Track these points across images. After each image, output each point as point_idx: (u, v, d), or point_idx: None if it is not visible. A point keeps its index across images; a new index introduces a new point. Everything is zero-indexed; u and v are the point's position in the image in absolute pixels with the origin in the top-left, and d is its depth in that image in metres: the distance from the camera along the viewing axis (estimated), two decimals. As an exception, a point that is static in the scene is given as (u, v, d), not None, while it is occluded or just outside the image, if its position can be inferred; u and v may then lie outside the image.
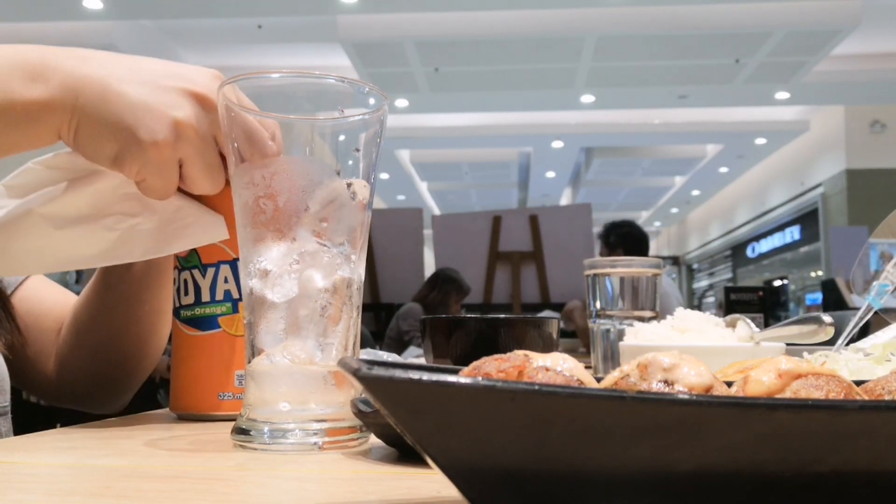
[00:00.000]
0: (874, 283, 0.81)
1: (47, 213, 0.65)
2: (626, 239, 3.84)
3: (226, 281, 0.67)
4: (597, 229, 4.69)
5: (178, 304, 0.69)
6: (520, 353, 0.34)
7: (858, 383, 0.37)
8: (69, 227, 0.66)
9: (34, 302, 0.88)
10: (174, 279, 0.70)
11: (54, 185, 0.66)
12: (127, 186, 0.65)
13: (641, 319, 1.00)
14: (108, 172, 0.64)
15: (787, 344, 0.83)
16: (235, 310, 0.67)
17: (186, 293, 0.68)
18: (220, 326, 0.67)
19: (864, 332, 0.80)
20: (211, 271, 0.68)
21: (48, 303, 0.89)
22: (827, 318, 0.75)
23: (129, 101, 0.57)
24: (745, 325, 0.85)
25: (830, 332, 0.73)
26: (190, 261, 0.68)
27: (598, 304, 1.05)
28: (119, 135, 0.57)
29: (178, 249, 0.68)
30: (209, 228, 0.66)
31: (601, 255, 4.02)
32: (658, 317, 1.03)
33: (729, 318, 0.88)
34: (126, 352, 0.84)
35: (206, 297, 0.67)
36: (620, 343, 0.92)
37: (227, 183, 0.62)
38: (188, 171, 0.60)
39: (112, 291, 0.82)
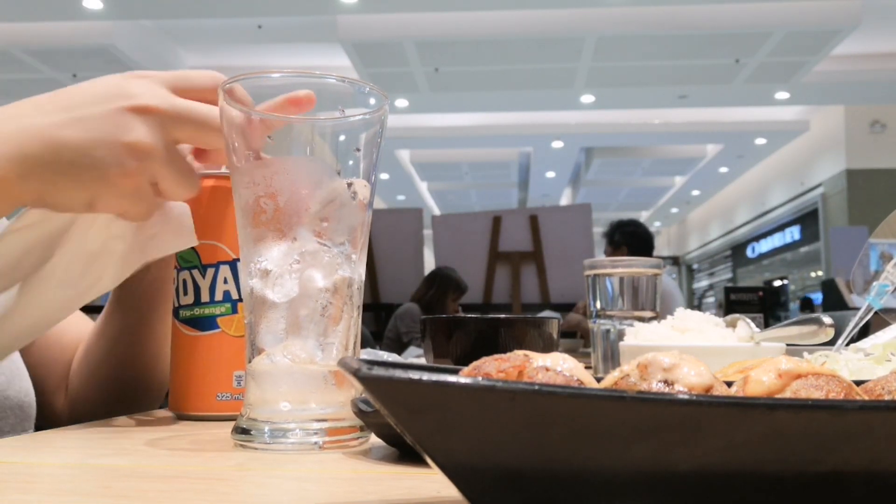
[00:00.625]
0: (874, 283, 0.81)
1: (47, 277, 0.64)
2: (631, 238, 3.83)
3: (225, 282, 0.67)
4: (598, 229, 4.68)
5: (177, 305, 0.69)
6: (520, 353, 0.34)
7: (858, 383, 0.37)
8: (69, 281, 0.65)
9: (48, 337, 0.87)
10: (174, 279, 0.70)
11: (41, 245, 0.64)
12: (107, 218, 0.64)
13: (641, 319, 1.00)
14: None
15: (788, 344, 0.83)
16: (235, 310, 0.67)
17: (186, 293, 0.68)
18: (219, 327, 0.67)
19: (864, 332, 0.80)
20: (210, 272, 0.67)
21: (62, 334, 0.89)
22: (827, 318, 0.75)
23: (77, 144, 0.55)
24: (745, 325, 0.85)
25: (831, 332, 0.73)
26: (190, 261, 0.68)
27: (598, 304, 1.05)
28: (83, 181, 0.56)
29: (143, 262, 0.67)
30: (178, 236, 0.65)
31: (606, 253, 4.01)
32: (658, 317, 1.03)
33: (729, 317, 0.88)
34: (138, 377, 0.84)
35: (205, 297, 0.67)
36: (620, 343, 0.92)
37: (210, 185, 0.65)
38: (163, 186, 0.59)
39: (124, 316, 0.82)
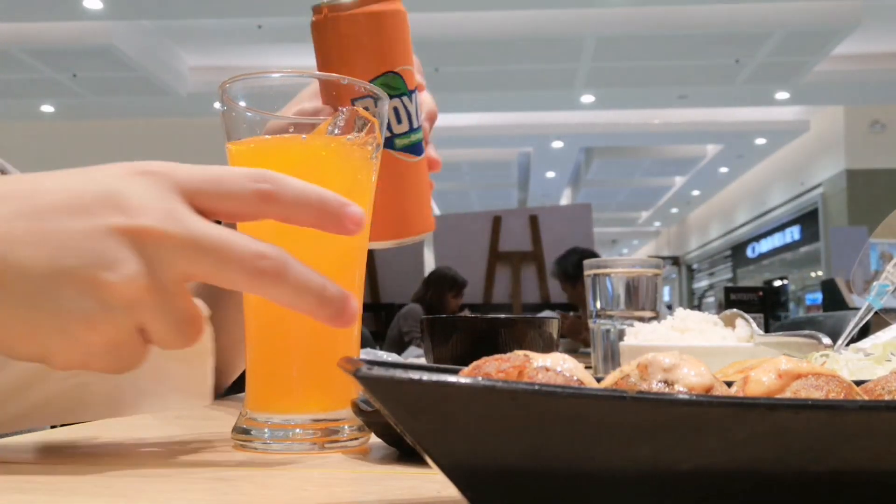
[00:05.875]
0: (874, 283, 0.81)
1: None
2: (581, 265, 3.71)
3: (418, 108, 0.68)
4: (598, 229, 4.68)
5: (389, 134, 0.66)
6: (520, 353, 0.34)
7: (858, 383, 0.37)
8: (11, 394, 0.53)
9: None
10: (370, 110, 0.61)
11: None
12: None
13: (641, 319, 1.00)
14: None
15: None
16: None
17: (399, 122, 0.66)
18: (424, 151, 0.69)
19: (864, 332, 0.80)
20: (415, 97, 0.67)
21: None
22: (826, 340, 0.76)
23: (38, 276, 0.38)
24: (744, 325, 0.85)
25: (828, 352, 0.73)
26: (398, 88, 0.66)
27: (598, 304, 1.05)
28: (37, 327, 0.39)
29: (146, 411, 0.60)
30: (186, 394, 0.57)
31: (565, 290, 3.86)
32: (658, 317, 1.03)
33: (728, 312, 0.88)
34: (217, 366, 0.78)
35: (415, 123, 0.67)
36: (620, 343, 0.92)
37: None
38: (151, 335, 0.42)
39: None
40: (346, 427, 0.52)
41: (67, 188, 0.40)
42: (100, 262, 0.38)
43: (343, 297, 0.42)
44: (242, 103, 0.54)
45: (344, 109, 0.53)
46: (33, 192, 0.40)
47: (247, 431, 0.52)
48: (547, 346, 0.79)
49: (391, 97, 0.64)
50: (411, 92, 0.66)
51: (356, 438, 0.53)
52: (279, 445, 0.51)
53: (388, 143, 0.65)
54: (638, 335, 0.90)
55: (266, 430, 0.51)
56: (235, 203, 0.42)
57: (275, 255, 0.40)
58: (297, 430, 0.51)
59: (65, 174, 0.42)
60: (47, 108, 9.30)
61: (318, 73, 0.55)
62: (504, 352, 0.35)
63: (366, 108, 0.55)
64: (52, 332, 0.39)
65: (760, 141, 11.18)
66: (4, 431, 0.54)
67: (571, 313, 3.56)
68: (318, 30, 0.65)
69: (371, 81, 0.64)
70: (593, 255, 3.62)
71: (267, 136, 0.53)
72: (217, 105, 0.55)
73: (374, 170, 0.56)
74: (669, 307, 4.46)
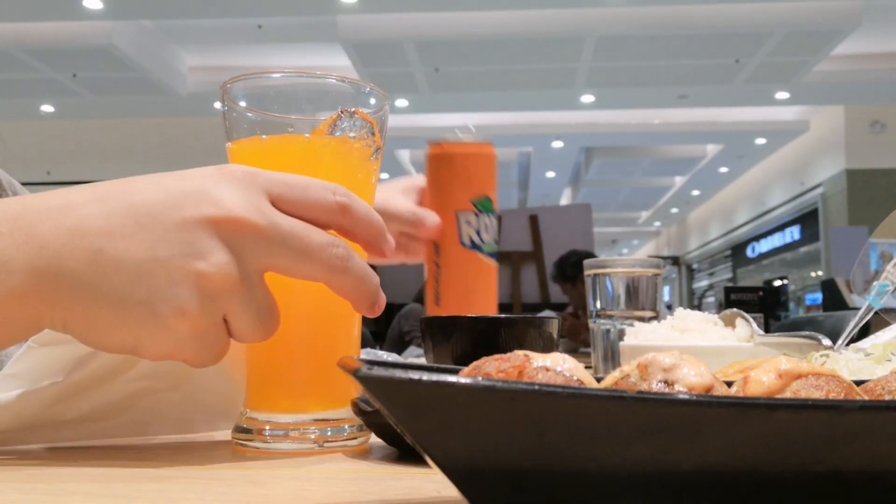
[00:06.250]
0: (874, 283, 0.81)
1: (61, 396, 0.51)
2: (580, 266, 3.76)
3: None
4: (598, 229, 4.69)
5: (479, 241, 0.90)
6: (520, 353, 0.34)
7: (858, 383, 0.37)
8: (89, 402, 0.53)
9: None
10: (470, 221, 0.89)
11: (64, 364, 0.50)
12: None
13: (641, 319, 1.00)
14: None
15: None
16: None
17: (488, 233, 0.90)
18: (497, 258, 0.92)
19: (864, 332, 0.80)
20: (495, 216, 0.91)
21: None
22: (826, 341, 0.76)
23: (133, 266, 0.41)
24: (744, 325, 0.85)
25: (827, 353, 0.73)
26: (488, 208, 0.90)
27: (598, 304, 1.05)
28: (129, 317, 0.41)
29: (205, 430, 0.60)
30: (211, 418, 0.58)
31: (564, 291, 3.94)
32: (658, 317, 1.03)
33: (728, 312, 0.88)
34: None
35: (496, 237, 0.91)
36: (620, 343, 0.92)
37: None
38: (234, 326, 0.44)
39: None
40: (346, 427, 0.52)
41: (160, 187, 0.43)
42: (192, 251, 0.41)
43: (379, 291, 0.48)
44: (243, 103, 0.54)
45: (345, 109, 0.53)
46: (128, 191, 0.43)
47: (247, 431, 0.52)
48: (547, 346, 0.79)
49: (486, 215, 0.90)
50: (497, 214, 0.92)
51: (356, 438, 0.53)
52: (279, 445, 0.51)
53: (479, 248, 0.90)
54: (638, 335, 0.90)
55: (266, 430, 0.51)
56: (317, 211, 0.45)
57: (343, 245, 0.45)
58: (298, 430, 0.51)
59: (157, 176, 0.44)
60: (47, 108, 9.30)
61: (318, 73, 0.55)
62: (504, 352, 0.35)
63: (468, 223, 0.89)
64: (145, 320, 0.41)
65: (760, 141, 11.17)
66: (82, 437, 0.54)
67: (569, 309, 3.57)
68: (435, 159, 0.92)
69: (472, 202, 0.89)
70: (592, 256, 3.63)
71: (265, 137, 0.53)
72: (217, 105, 0.55)
73: (375, 171, 0.57)
74: (669, 307, 4.46)
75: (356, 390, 0.52)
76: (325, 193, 0.45)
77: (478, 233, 0.90)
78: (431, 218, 0.89)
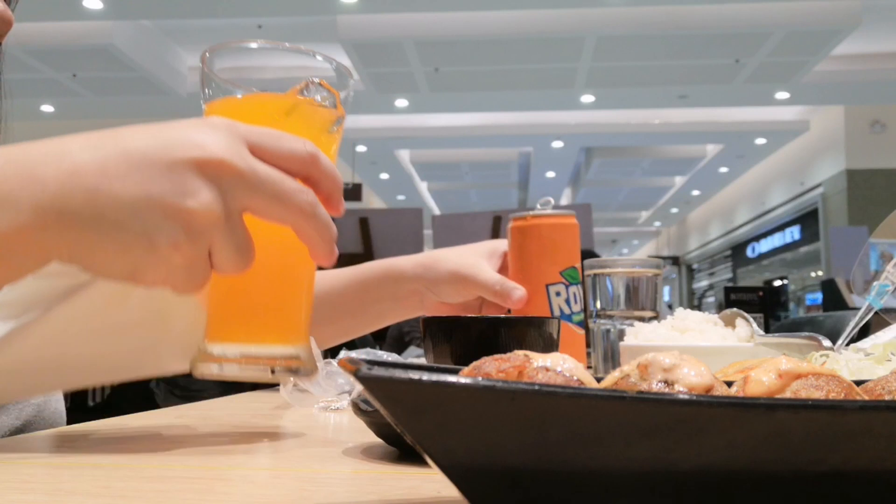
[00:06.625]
0: (874, 283, 0.81)
1: (53, 328, 0.54)
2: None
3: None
4: (598, 229, 4.68)
5: (569, 311, 0.92)
6: (520, 353, 0.34)
7: (858, 383, 0.37)
8: (83, 338, 0.56)
9: None
10: (560, 293, 0.91)
11: (55, 296, 0.53)
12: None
13: (641, 319, 1.00)
14: None
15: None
16: None
17: (576, 302, 0.92)
18: (584, 326, 0.95)
19: (864, 332, 0.80)
20: (580, 286, 0.93)
21: None
22: (826, 342, 0.76)
23: (129, 203, 0.45)
24: (744, 324, 0.85)
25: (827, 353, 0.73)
26: (576, 278, 0.92)
27: (598, 304, 1.05)
28: (128, 247, 0.45)
29: (121, 379, 0.62)
30: (177, 357, 0.59)
31: None
32: (658, 317, 1.03)
33: (728, 312, 0.87)
34: None
35: (582, 306, 0.94)
36: (620, 343, 0.92)
37: None
38: (216, 258, 0.48)
39: None
40: (302, 359, 0.54)
41: (149, 134, 0.47)
42: (182, 190, 0.45)
43: (335, 243, 0.51)
44: (220, 67, 0.57)
45: (312, 79, 0.57)
46: (120, 138, 0.47)
47: (205, 359, 0.53)
48: (547, 346, 0.79)
49: (574, 285, 0.92)
50: (581, 283, 0.93)
51: (306, 371, 0.54)
52: (232, 371, 0.52)
53: (569, 319, 0.92)
54: (638, 335, 0.90)
55: (222, 359, 0.53)
56: (290, 161, 0.49)
57: (311, 193, 0.49)
58: (252, 358, 0.53)
59: (144, 126, 0.48)
60: (47, 108, 9.30)
61: (289, 45, 0.59)
62: (504, 352, 0.35)
63: (557, 294, 0.91)
64: (142, 252, 0.45)
65: (760, 141, 11.18)
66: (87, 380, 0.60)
67: None
68: (520, 232, 0.93)
69: (560, 273, 0.91)
70: (593, 254, 3.64)
71: (240, 95, 0.57)
72: (197, 70, 0.57)
73: (336, 140, 0.60)
74: (670, 306, 4.45)
75: (304, 332, 0.56)
76: (297, 144, 0.50)
77: (567, 303, 0.91)
78: (518, 292, 0.89)
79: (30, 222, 0.44)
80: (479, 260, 0.93)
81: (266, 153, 0.48)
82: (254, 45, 0.58)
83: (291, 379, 0.60)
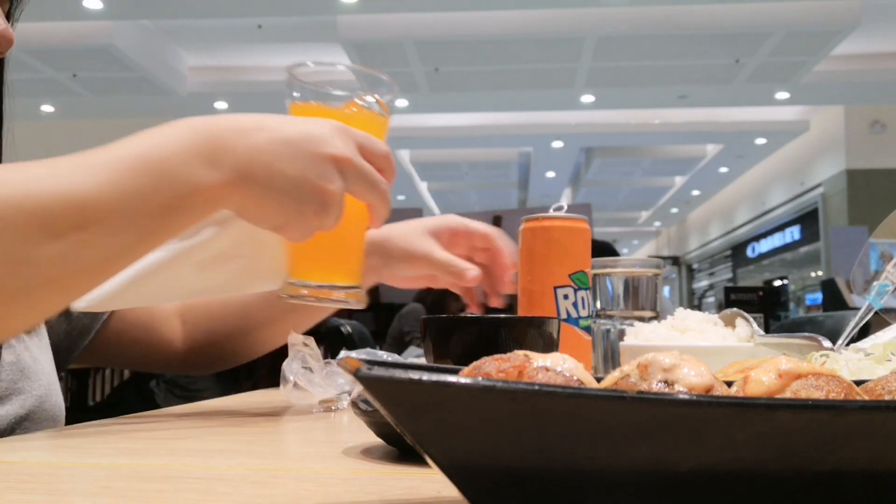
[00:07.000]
0: (874, 283, 0.81)
1: (191, 254, 0.73)
2: (598, 254, 3.78)
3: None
4: (598, 229, 4.68)
5: (576, 315, 0.92)
6: (520, 353, 0.34)
7: (858, 383, 0.37)
8: (206, 266, 0.76)
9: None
10: (567, 296, 0.91)
11: (202, 230, 0.73)
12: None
13: (641, 319, 1.00)
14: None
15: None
16: None
17: (584, 307, 0.92)
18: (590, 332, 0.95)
19: (865, 332, 0.80)
20: (590, 291, 0.93)
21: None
22: (826, 342, 0.76)
23: (290, 179, 0.62)
24: (744, 324, 0.85)
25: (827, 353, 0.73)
26: (585, 283, 0.92)
27: (598, 304, 1.05)
28: (283, 209, 0.63)
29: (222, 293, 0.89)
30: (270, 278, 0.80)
31: None
32: (658, 317, 1.03)
33: (728, 312, 0.87)
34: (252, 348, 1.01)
35: (590, 311, 0.94)
36: (620, 343, 0.92)
37: None
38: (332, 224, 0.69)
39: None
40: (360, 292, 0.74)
41: (299, 128, 0.64)
42: (325, 176, 0.63)
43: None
44: (304, 81, 0.76)
45: (366, 94, 0.77)
46: (279, 127, 0.63)
47: (293, 287, 0.71)
48: (547, 346, 0.79)
49: (583, 290, 0.92)
50: (590, 288, 0.93)
51: (363, 299, 0.74)
52: (309, 300, 0.72)
53: (574, 322, 0.92)
54: (638, 335, 0.90)
55: (304, 290, 0.72)
56: (378, 158, 0.68)
57: (386, 182, 0.68)
58: (325, 288, 0.72)
59: (291, 119, 0.67)
60: (47, 108, 9.30)
61: (356, 66, 0.77)
62: (504, 352, 0.35)
63: (565, 297, 0.91)
64: (294, 214, 0.64)
65: (760, 141, 11.17)
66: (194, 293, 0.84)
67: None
68: (531, 233, 0.94)
69: (570, 276, 0.91)
70: (608, 246, 3.67)
71: (317, 103, 0.75)
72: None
73: (384, 138, 0.78)
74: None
75: (360, 274, 0.76)
76: (381, 146, 0.69)
77: (574, 307, 0.91)
78: (472, 272, 0.93)
79: (225, 180, 0.61)
80: (428, 240, 0.96)
81: (366, 151, 0.67)
82: (328, 64, 0.76)
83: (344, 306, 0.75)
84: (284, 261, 0.76)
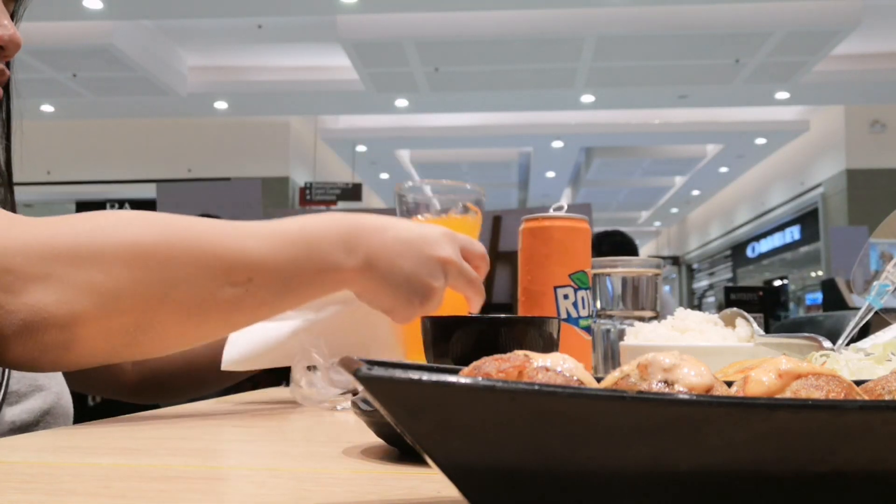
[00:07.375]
0: (874, 283, 0.81)
1: (318, 325, 0.87)
2: (619, 248, 3.82)
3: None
4: (598, 229, 4.68)
5: (576, 315, 0.94)
6: (520, 353, 0.34)
7: (858, 383, 0.37)
8: (328, 335, 0.85)
9: None
10: (567, 296, 0.94)
11: (326, 307, 0.88)
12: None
13: (641, 319, 1.00)
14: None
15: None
16: None
17: (584, 307, 0.94)
18: (590, 332, 0.97)
19: (865, 332, 0.80)
20: (590, 291, 0.95)
21: None
22: (826, 343, 0.76)
23: (405, 274, 0.74)
24: (744, 324, 0.85)
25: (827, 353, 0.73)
26: (585, 283, 0.94)
27: (598, 304, 1.05)
28: (396, 298, 0.75)
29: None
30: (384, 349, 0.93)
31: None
32: (658, 317, 1.03)
33: (728, 312, 0.87)
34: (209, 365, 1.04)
35: (590, 311, 0.96)
36: (620, 343, 0.92)
37: None
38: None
39: None
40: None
41: (412, 230, 0.76)
42: (432, 274, 0.75)
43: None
44: (411, 195, 0.96)
45: (463, 204, 0.95)
46: (398, 228, 0.75)
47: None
48: (547, 346, 0.79)
49: (583, 290, 0.94)
50: (590, 288, 0.95)
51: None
52: None
53: (574, 322, 0.94)
54: (638, 335, 0.90)
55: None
56: (475, 258, 0.81)
57: (479, 279, 0.81)
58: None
59: (407, 222, 0.78)
60: (47, 108, 9.29)
61: (453, 182, 0.96)
62: (504, 352, 0.35)
63: (565, 297, 0.93)
64: (403, 301, 0.75)
65: (760, 141, 11.17)
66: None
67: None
68: (532, 233, 0.96)
69: (570, 276, 0.93)
70: (626, 238, 3.67)
71: (424, 216, 0.96)
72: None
73: (478, 228, 0.96)
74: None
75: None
76: (477, 247, 0.82)
77: (574, 306, 0.93)
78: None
79: (357, 266, 0.72)
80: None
81: (466, 252, 0.79)
82: (428, 186, 0.94)
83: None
84: (394, 340, 0.91)
